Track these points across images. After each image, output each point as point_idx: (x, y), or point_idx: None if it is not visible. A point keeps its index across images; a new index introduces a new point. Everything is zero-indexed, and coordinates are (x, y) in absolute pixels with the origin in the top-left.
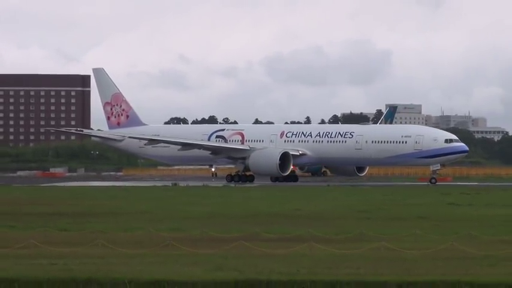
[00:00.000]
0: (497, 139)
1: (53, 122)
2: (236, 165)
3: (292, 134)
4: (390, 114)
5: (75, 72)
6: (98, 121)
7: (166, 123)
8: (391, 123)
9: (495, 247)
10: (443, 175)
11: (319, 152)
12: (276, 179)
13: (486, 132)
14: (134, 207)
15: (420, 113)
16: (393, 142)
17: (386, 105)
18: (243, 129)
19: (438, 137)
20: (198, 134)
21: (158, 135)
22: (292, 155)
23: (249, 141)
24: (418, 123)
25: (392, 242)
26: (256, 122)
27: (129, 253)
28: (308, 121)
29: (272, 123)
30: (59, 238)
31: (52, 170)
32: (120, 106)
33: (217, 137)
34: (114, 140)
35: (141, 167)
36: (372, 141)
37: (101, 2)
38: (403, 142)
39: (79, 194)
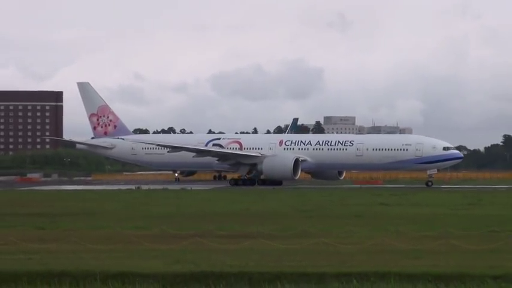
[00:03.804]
0: None
1: (29, 133)
2: (239, 171)
3: (292, 142)
4: (294, 126)
5: (46, 89)
6: (70, 132)
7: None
8: (296, 132)
9: (420, 242)
10: (375, 178)
11: (319, 159)
12: (263, 182)
13: None
14: (102, 208)
15: (354, 124)
16: (394, 149)
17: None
18: (239, 138)
19: (437, 145)
20: (194, 142)
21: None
22: None
23: (247, 149)
24: (352, 133)
25: (330, 238)
26: (210, 132)
27: (98, 248)
28: (255, 131)
29: (223, 133)
30: (36, 236)
31: (29, 176)
32: (108, 117)
33: (213, 145)
34: (105, 148)
35: (108, 172)
36: (373, 149)
37: (71, 28)
38: (404, 149)
39: (53, 197)
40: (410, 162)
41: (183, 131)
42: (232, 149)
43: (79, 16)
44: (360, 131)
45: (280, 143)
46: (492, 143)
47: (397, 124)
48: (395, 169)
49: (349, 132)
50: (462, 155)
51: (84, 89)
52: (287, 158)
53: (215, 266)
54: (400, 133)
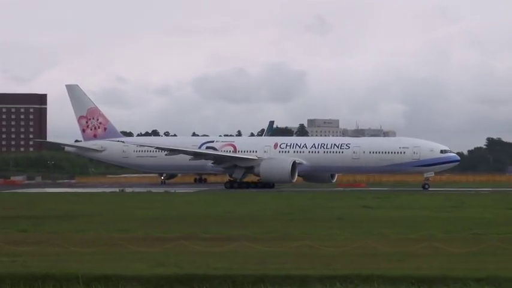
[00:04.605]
0: None
1: (13, 136)
2: (234, 174)
3: (287, 146)
4: (271, 128)
5: (29, 92)
6: (53, 135)
7: None
8: (272, 135)
9: (403, 244)
10: (359, 181)
11: (315, 162)
12: (255, 185)
13: None
14: (86, 211)
15: (338, 127)
16: (391, 152)
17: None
18: (233, 141)
19: (434, 148)
20: (188, 145)
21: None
22: None
23: (241, 151)
24: (336, 136)
25: (313, 241)
26: (194, 134)
27: (82, 251)
28: (239, 134)
29: (207, 135)
30: (19, 238)
31: (12, 178)
32: (97, 119)
33: (207, 147)
34: (95, 150)
35: (92, 175)
36: (370, 152)
37: (53, 30)
38: (401, 152)
39: (37, 199)
40: (408, 165)
41: (166, 134)
42: (226, 151)
43: (61, 19)
44: (344, 133)
45: (275, 146)
46: (475, 146)
47: (380, 127)
48: (392, 172)
49: (332, 135)
50: (459, 158)
51: (73, 91)
52: (285, 161)
53: (199, 268)
54: (384, 135)
